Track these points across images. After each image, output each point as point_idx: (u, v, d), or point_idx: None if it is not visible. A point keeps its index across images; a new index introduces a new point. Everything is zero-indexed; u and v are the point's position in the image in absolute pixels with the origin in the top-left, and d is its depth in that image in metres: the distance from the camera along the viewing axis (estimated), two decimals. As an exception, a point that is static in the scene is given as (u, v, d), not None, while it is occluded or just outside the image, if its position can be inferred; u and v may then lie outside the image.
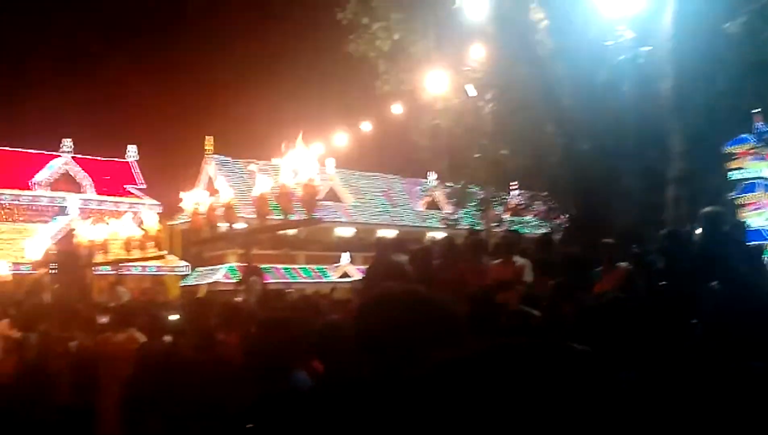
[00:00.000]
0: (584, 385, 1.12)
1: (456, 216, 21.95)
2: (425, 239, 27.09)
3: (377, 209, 35.71)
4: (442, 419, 1.14)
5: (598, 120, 11.74)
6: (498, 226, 19.70)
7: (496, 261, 7.16)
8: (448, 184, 20.44)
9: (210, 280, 27.52)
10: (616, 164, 11.76)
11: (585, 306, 3.51)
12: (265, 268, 16.36)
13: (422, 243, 16.17)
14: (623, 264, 6.70)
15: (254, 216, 5.67)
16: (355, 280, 13.10)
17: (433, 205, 36.87)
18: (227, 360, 4.48)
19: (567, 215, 14.39)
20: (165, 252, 10.30)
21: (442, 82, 15.07)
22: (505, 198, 21.90)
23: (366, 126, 18.96)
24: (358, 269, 28.09)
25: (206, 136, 31.34)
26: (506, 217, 23.98)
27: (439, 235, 26.12)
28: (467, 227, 15.68)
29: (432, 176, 35.46)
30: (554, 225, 15.45)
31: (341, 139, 19.68)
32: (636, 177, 11.87)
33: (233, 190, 7.10)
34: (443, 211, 33.63)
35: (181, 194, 6.57)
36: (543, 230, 14.68)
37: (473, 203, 19.81)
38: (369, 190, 36.70)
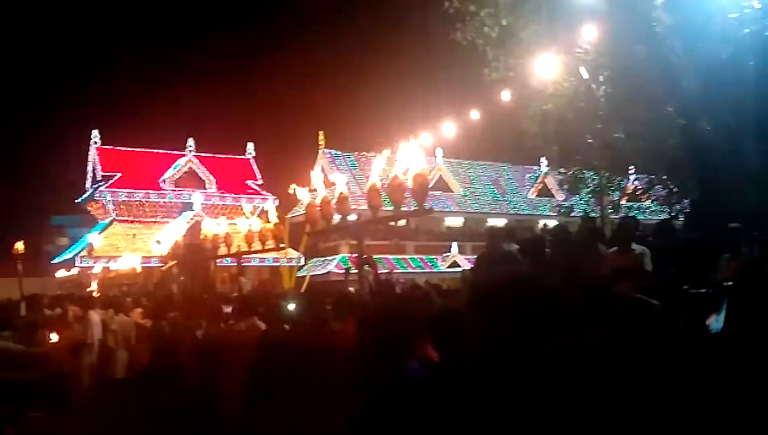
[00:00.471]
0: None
1: (569, 203, 21.41)
2: (537, 228, 26.57)
3: (487, 198, 35.37)
4: (555, 406, 1.15)
5: (720, 98, 11.07)
6: (614, 212, 19.05)
7: (613, 249, 6.93)
8: (560, 170, 19.96)
9: (324, 271, 28.26)
10: (740, 145, 11.07)
11: (704, 295, 3.36)
12: (376, 259, 16.63)
13: (534, 231, 15.89)
14: (747, 250, 6.32)
15: (366, 207, 5.78)
16: (465, 270, 13.08)
17: (544, 193, 36.10)
18: (341, 348, 4.60)
19: (688, 199, 13.71)
20: (283, 245, 10.66)
21: (552, 66, 14.70)
22: (621, 183, 21.14)
23: (474, 114, 18.80)
24: (467, 259, 27.98)
25: (319, 132, 32.13)
26: (623, 202, 23.13)
27: (552, 223, 25.57)
28: (581, 214, 15.26)
29: (543, 163, 34.74)
30: (675, 210, 14.78)
31: (450, 128, 19.62)
32: (762, 158, 11.12)
33: (346, 183, 7.25)
34: (555, 199, 32.87)
35: (293, 188, 6.80)
36: (663, 216, 14.07)
37: (587, 189, 19.24)
38: (478, 178, 36.38)
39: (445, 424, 2.22)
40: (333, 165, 30.30)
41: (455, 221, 33.67)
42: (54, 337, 8.20)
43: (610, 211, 19.34)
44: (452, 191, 34.24)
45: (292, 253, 28.43)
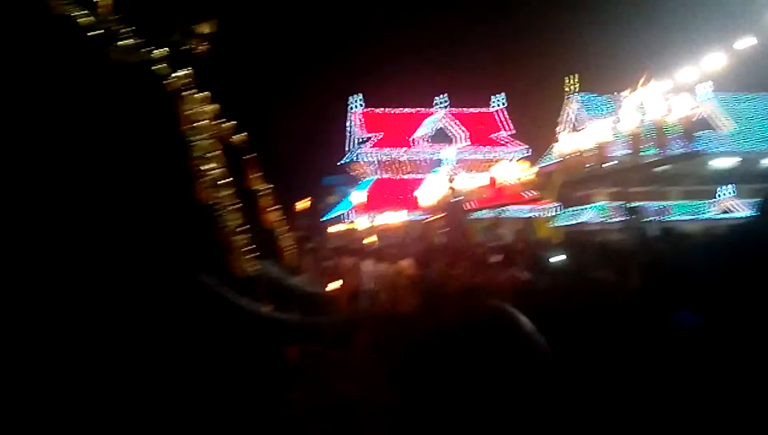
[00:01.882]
0: None
1: None
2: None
3: (764, 134, 31.42)
4: None
5: None
6: None
7: None
8: None
9: (580, 220, 27.50)
10: None
11: None
12: (637, 206, 15.75)
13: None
14: None
15: (625, 152, 5.55)
16: (740, 216, 11.83)
17: (839, 123, 31.15)
18: (606, 298, 4.53)
19: None
20: (537, 194, 10.63)
21: None
22: None
23: (747, 39, 16.67)
24: (743, 203, 25.34)
25: (568, 75, 30.97)
26: None
27: None
28: None
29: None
30: None
31: (716, 59, 17.66)
32: None
33: (600, 127, 6.98)
34: None
35: (558, 137, 6.76)
36: None
37: None
38: (753, 113, 32.40)
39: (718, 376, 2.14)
40: (586, 109, 29.11)
41: (725, 162, 30.49)
42: (333, 285, 9.12)
43: None
44: (720, 129, 31.00)
45: (547, 203, 28.07)
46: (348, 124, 32.37)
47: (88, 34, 1.85)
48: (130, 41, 1.97)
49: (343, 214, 27.92)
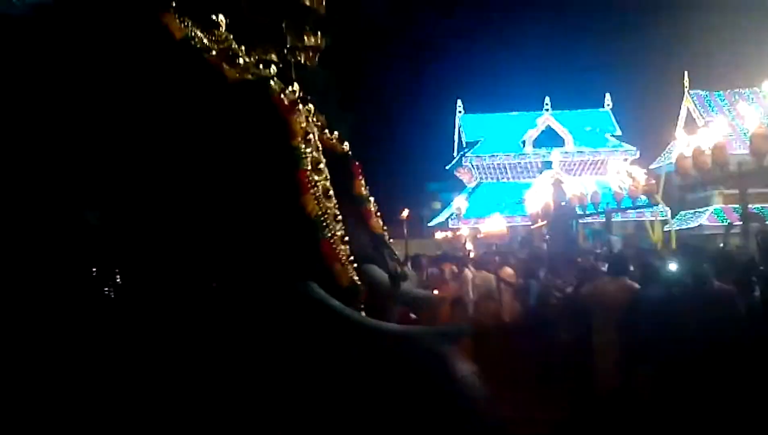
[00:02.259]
0: None
1: None
2: None
3: None
4: None
5: None
6: None
7: None
8: None
9: (693, 224, 26.15)
10: None
11: None
12: (757, 209, 14.71)
13: None
14: None
15: (746, 152, 5.23)
16: None
17: None
18: (725, 312, 4.29)
19: None
20: (648, 199, 10.19)
21: None
22: None
23: None
24: None
25: (683, 72, 29.51)
26: None
27: None
28: None
29: None
30: None
31: None
32: None
33: (719, 126, 6.60)
34: None
35: (675, 141, 6.47)
36: None
37: None
38: None
39: None
40: (702, 107, 27.65)
41: None
42: (435, 293, 9.09)
43: None
44: None
45: (659, 207, 26.86)
46: (454, 129, 32.30)
47: (209, 54, 1.94)
48: (245, 60, 2.06)
49: (447, 220, 27.81)
